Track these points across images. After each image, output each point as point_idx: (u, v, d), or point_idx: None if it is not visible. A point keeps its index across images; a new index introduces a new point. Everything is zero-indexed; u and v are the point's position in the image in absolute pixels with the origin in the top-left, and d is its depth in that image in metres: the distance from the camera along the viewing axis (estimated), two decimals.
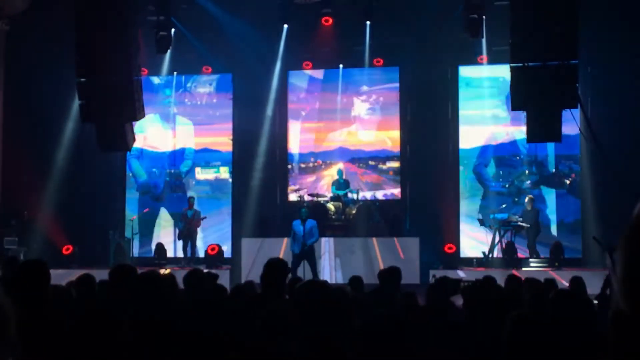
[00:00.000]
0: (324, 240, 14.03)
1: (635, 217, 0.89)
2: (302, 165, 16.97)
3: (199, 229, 15.53)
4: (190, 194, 16.53)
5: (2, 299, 0.98)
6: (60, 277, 9.06)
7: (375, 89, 16.79)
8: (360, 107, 16.87)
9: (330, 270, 14.02)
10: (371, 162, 16.70)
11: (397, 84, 16.59)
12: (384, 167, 16.67)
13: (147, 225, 16.86)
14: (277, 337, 3.00)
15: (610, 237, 13.34)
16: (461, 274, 13.15)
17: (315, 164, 16.90)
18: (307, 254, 12.80)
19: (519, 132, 14.80)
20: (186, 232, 15.25)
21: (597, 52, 14.17)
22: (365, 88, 16.81)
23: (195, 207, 15.50)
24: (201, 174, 17.24)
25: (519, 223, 14.37)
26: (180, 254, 15.69)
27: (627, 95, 14.12)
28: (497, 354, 3.36)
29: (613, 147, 13.40)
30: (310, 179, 16.81)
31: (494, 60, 15.42)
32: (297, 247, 12.81)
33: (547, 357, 3.16)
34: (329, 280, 12.21)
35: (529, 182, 15.66)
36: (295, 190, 16.21)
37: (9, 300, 0.99)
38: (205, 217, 15.52)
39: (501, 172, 15.95)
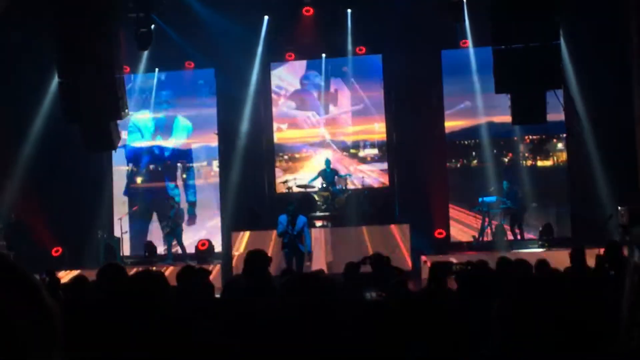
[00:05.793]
0: (314, 230, 13.98)
1: None
2: (289, 156, 16.95)
3: (184, 225, 15.73)
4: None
5: (56, 308, 0.96)
6: None
7: (358, 77, 16.75)
8: (344, 96, 16.84)
9: (321, 260, 13.98)
10: (358, 151, 16.69)
11: (381, 72, 16.56)
12: (371, 155, 16.67)
13: (136, 223, 16.81)
14: (271, 335, 2.98)
15: (599, 213, 13.55)
16: (452, 259, 13.18)
17: (302, 154, 16.88)
18: (297, 251, 12.43)
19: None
20: (169, 230, 15.42)
21: (578, 32, 14.18)
22: (348, 77, 16.76)
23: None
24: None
25: (508, 206, 14.46)
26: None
27: (608, 73, 14.14)
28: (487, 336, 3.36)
29: (596, 127, 13.47)
30: (297, 169, 16.78)
31: (477, 43, 15.41)
32: (288, 244, 12.36)
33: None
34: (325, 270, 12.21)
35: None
36: (283, 182, 16.15)
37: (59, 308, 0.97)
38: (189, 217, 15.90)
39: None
